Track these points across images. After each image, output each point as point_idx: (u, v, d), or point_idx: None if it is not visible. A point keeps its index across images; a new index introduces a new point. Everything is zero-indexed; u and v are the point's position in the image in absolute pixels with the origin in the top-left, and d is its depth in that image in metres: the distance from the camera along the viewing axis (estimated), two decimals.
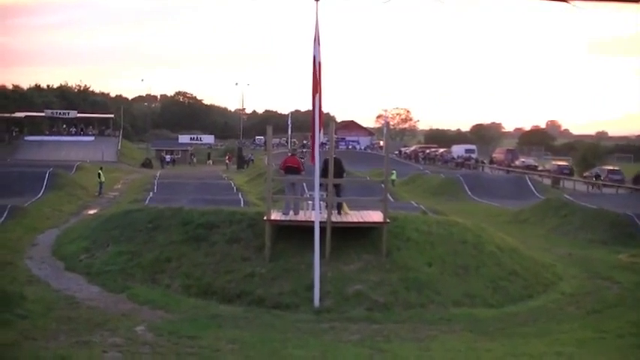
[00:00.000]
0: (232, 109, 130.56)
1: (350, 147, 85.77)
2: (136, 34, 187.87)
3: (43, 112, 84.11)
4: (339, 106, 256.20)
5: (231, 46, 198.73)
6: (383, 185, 17.44)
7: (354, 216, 17.17)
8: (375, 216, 16.98)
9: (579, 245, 23.27)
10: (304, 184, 20.23)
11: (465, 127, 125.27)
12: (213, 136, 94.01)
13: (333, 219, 15.87)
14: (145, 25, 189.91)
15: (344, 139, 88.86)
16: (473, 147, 79.13)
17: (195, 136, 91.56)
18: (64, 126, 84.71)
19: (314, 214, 14.94)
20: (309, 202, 17.36)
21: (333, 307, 13.97)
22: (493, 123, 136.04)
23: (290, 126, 57.20)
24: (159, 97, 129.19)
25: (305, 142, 75.03)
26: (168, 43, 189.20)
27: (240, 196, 33.85)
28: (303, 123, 77.00)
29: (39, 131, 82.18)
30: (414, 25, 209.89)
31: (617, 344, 11.25)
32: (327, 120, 20.86)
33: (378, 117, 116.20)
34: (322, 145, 18.82)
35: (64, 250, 18.94)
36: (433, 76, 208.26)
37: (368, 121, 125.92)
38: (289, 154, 18.48)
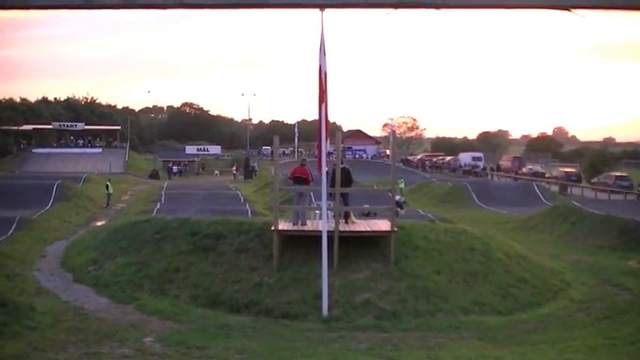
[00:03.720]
0: (239, 120, 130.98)
1: (357, 156, 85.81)
2: (142, 46, 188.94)
3: (50, 124, 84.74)
4: (345, 116, 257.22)
5: (237, 57, 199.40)
6: (390, 194, 17.41)
7: (361, 225, 17.16)
8: (383, 225, 16.96)
9: (588, 252, 23.14)
10: (312, 194, 20.24)
11: (472, 135, 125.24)
12: (219, 147, 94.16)
13: (341, 228, 15.85)
14: (151, 36, 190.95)
15: (350, 148, 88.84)
16: (480, 155, 78.99)
17: (202, 147, 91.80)
18: (72, 138, 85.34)
19: (321, 223, 14.95)
20: (317, 211, 17.37)
21: (342, 316, 13.94)
22: (500, 130, 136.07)
23: (297, 136, 57.31)
24: (165, 108, 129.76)
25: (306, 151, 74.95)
26: (175, 55, 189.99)
27: (247, 206, 33.89)
28: (309, 132, 77.14)
29: (47, 143, 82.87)
30: (419, 34, 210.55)
31: (628, 351, 11.17)
32: (333, 129, 20.85)
33: (385, 126, 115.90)
34: (329, 154, 18.83)
35: (73, 262, 18.98)
36: (439, 84, 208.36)
37: (374, 130, 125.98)
38: (300, 164, 18.40)
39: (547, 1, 7.44)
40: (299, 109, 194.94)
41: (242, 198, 39.41)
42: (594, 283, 17.81)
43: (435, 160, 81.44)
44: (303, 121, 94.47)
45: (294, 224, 16.75)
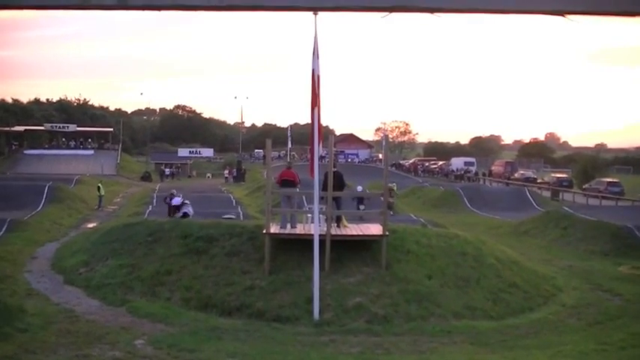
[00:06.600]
0: (231, 123, 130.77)
1: (349, 160, 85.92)
2: (136, 48, 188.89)
3: (42, 125, 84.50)
4: (338, 119, 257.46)
5: (230, 60, 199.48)
6: (382, 198, 17.42)
7: (353, 229, 17.15)
8: (375, 229, 16.96)
9: (580, 257, 23.23)
10: (304, 198, 20.23)
11: (464, 140, 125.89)
12: (212, 150, 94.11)
13: (333, 232, 15.85)
14: (144, 38, 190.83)
15: (343, 152, 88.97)
16: (472, 159, 79.19)
17: (194, 150, 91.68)
18: (64, 139, 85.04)
19: (313, 227, 14.93)
20: (309, 215, 17.36)
21: (333, 319, 13.92)
22: (492, 135, 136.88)
23: (290, 139, 57.35)
24: (158, 110, 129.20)
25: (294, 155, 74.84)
26: (168, 57, 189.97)
27: (239, 209, 33.82)
28: (302, 136, 77.13)
29: (38, 145, 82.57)
30: (412, 38, 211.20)
31: (619, 356, 11.22)
32: (326, 133, 20.90)
33: (377, 130, 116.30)
34: (321, 158, 18.83)
35: (64, 264, 18.90)
36: (432, 89, 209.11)
37: (367, 134, 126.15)
38: (286, 167, 18.49)
39: (541, 6, 7.45)
40: (292, 113, 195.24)
41: (234, 201, 39.36)
42: (586, 288, 17.87)
43: (427, 164, 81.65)
44: (296, 124, 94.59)
45: (281, 227, 16.73)
